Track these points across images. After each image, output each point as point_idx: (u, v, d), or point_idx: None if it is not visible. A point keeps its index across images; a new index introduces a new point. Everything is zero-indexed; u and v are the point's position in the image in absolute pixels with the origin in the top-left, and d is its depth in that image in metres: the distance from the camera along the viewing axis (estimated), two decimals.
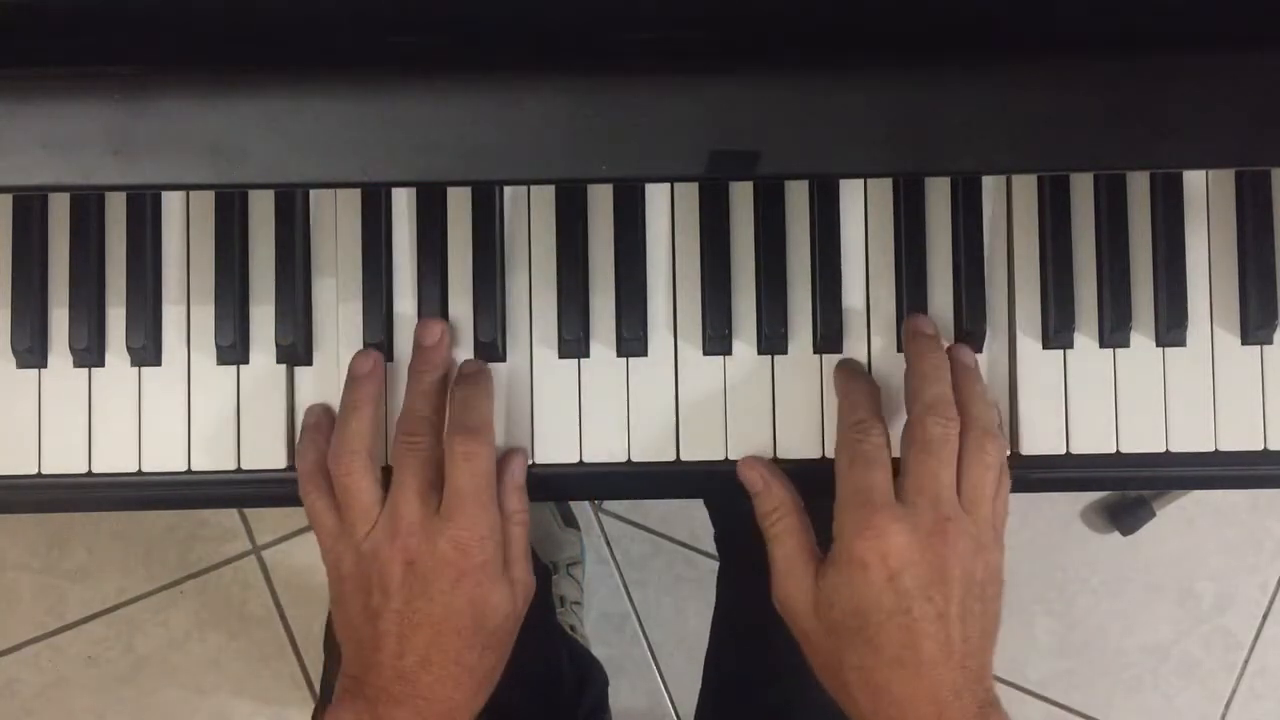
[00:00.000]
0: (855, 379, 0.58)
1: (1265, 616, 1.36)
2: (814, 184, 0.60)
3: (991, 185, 0.60)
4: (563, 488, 0.60)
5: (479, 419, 0.57)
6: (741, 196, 0.60)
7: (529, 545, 0.59)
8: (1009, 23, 0.52)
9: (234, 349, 0.59)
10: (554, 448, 0.60)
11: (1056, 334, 0.60)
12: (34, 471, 0.60)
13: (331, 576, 0.58)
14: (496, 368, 0.60)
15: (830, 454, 0.59)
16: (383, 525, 0.55)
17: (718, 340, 0.59)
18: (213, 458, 0.60)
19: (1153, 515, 1.33)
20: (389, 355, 0.60)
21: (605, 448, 0.60)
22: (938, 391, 0.55)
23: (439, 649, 0.55)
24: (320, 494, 0.57)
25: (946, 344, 0.59)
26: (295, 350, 0.60)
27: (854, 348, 0.60)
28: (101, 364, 0.60)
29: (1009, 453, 0.58)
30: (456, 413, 0.57)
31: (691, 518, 1.33)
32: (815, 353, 0.60)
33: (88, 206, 0.60)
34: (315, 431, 0.59)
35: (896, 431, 0.57)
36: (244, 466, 0.60)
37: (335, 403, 0.59)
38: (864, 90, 0.52)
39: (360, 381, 0.58)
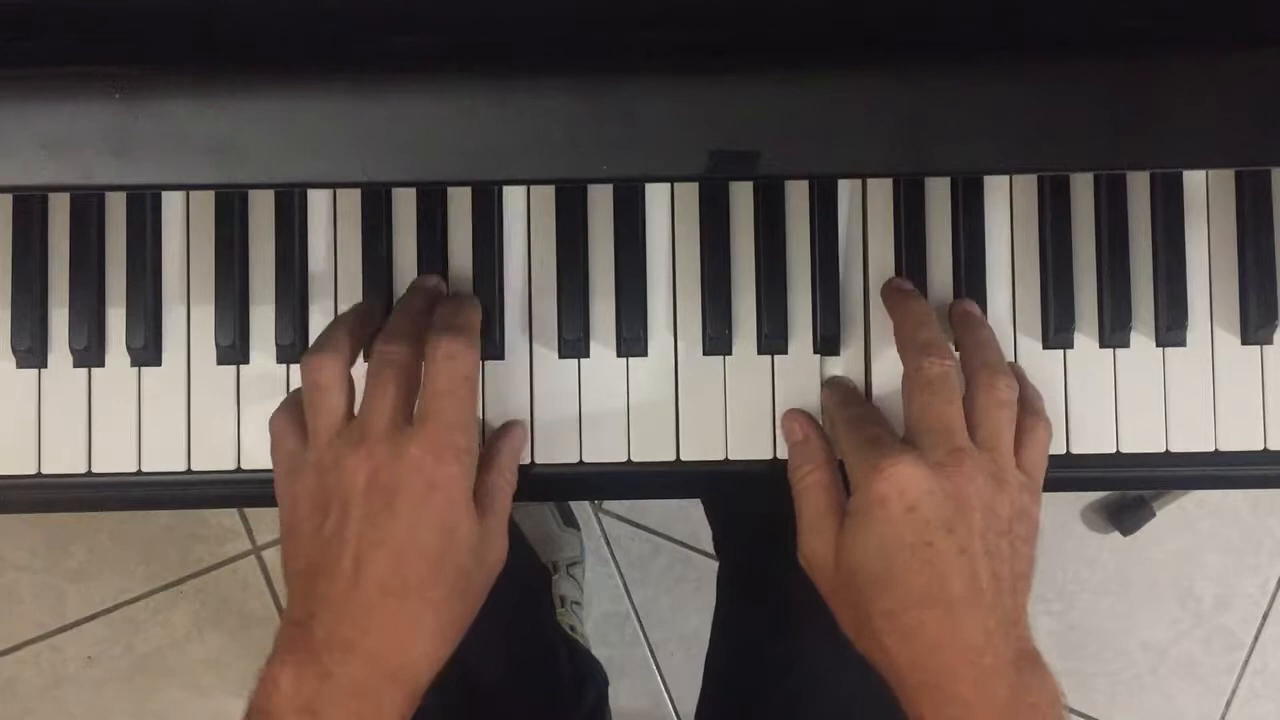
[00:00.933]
0: (838, 386, 0.59)
1: (1265, 616, 1.36)
2: (814, 184, 0.60)
3: (991, 185, 0.60)
4: (563, 488, 0.60)
5: (465, 321, 0.54)
6: (741, 196, 0.60)
7: (509, 511, 0.56)
8: (1009, 23, 0.52)
9: (234, 349, 0.59)
10: (554, 448, 0.60)
11: (1056, 334, 0.60)
12: (34, 471, 0.60)
13: (285, 503, 0.53)
14: (496, 367, 0.60)
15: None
16: (348, 434, 0.51)
17: (718, 340, 0.59)
18: (213, 458, 0.60)
19: (1153, 515, 1.33)
20: None
21: (605, 448, 0.60)
22: (928, 334, 0.55)
23: (399, 575, 0.49)
24: (289, 417, 0.54)
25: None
26: (295, 350, 0.59)
27: (853, 348, 0.60)
28: (101, 364, 0.60)
29: None
30: (442, 317, 0.54)
31: (691, 518, 1.33)
32: (815, 353, 0.60)
33: (88, 206, 0.60)
34: None
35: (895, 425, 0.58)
36: (244, 466, 0.60)
37: None
38: (864, 90, 0.52)
39: (358, 306, 0.57)
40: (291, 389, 0.60)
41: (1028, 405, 0.56)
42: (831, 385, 0.59)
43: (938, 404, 0.53)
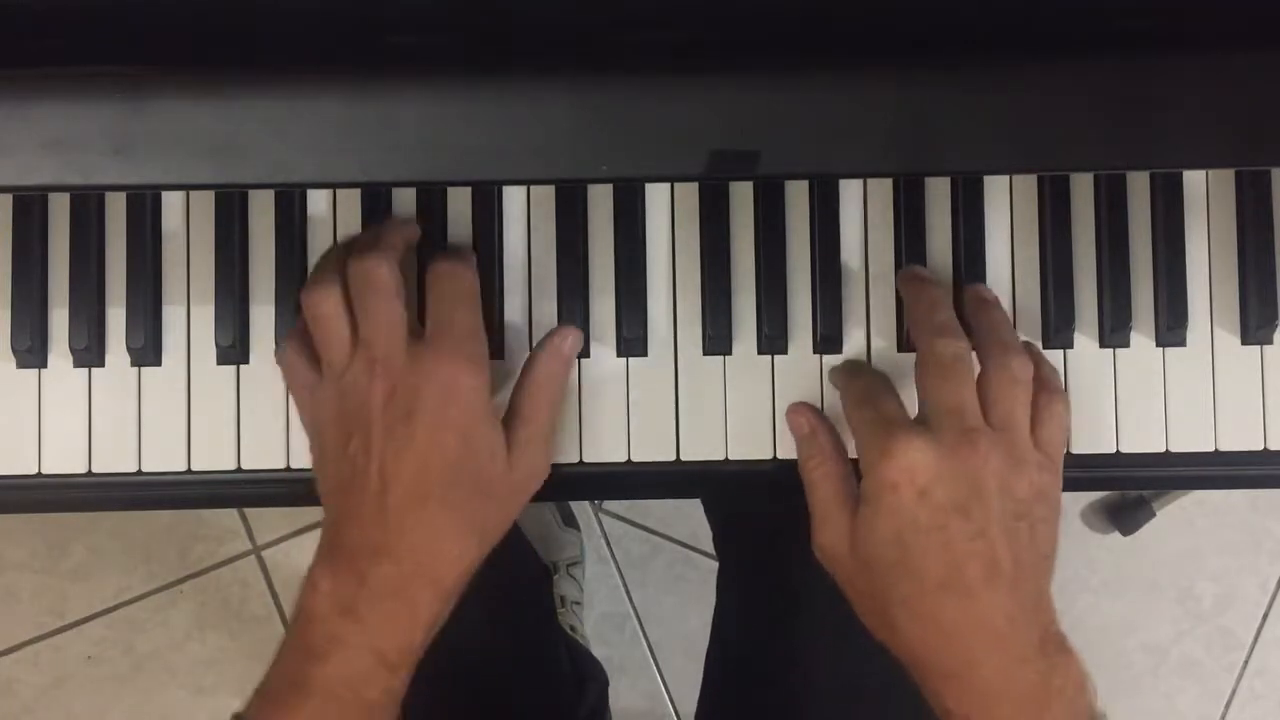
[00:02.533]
0: (849, 363, 0.58)
1: (1265, 616, 1.36)
2: (814, 184, 0.60)
3: (991, 185, 0.60)
4: (563, 488, 0.60)
5: (460, 252, 0.57)
6: (741, 196, 0.60)
7: (554, 427, 0.57)
8: (1009, 22, 0.52)
9: (234, 349, 0.59)
10: (554, 448, 0.59)
11: (1056, 334, 0.60)
12: (34, 471, 0.60)
13: (311, 431, 0.55)
14: (496, 367, 0.60)
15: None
16: (359, 358, 0.53)
17: (718, 340, 0.59)
18: (213, 458, 0.60)
19: (1153, 515, 1.33)
20: None
21: (605, 448, 0.59)
22: (942, 317, 0.54)
23: (423, 480, 0.51)
24: (297, 349, 0.56)
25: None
26: None
27: (854, 348, 0.60)
28: (101, 364, 0.60)
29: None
30: (437, 254, 0.56)
31: (691, 518, 1.33)
32: (815, 353, 0.60)
33: (88, 206, 0.60)
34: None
35: None
36: (244, 466, 0.60)
37: None
38: (864, 90, 0.52)
39: (345, 240, 0.58)
40: (289, 387, 0.60)
41: (1044, 383, 0.55)
42: (842, 365, 0.59)
43: (951, 385, 0.52)
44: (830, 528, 0.53)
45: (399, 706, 0.53)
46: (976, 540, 0.49)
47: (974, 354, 0.55)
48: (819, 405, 0.59)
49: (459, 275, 0.54)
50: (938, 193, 0.60)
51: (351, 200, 0.60)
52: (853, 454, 0.56)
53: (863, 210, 0.60)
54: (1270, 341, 0.60)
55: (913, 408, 0.55)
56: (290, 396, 0.58)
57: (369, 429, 0.52)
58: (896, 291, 0.60)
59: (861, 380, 0.55)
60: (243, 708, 0.53)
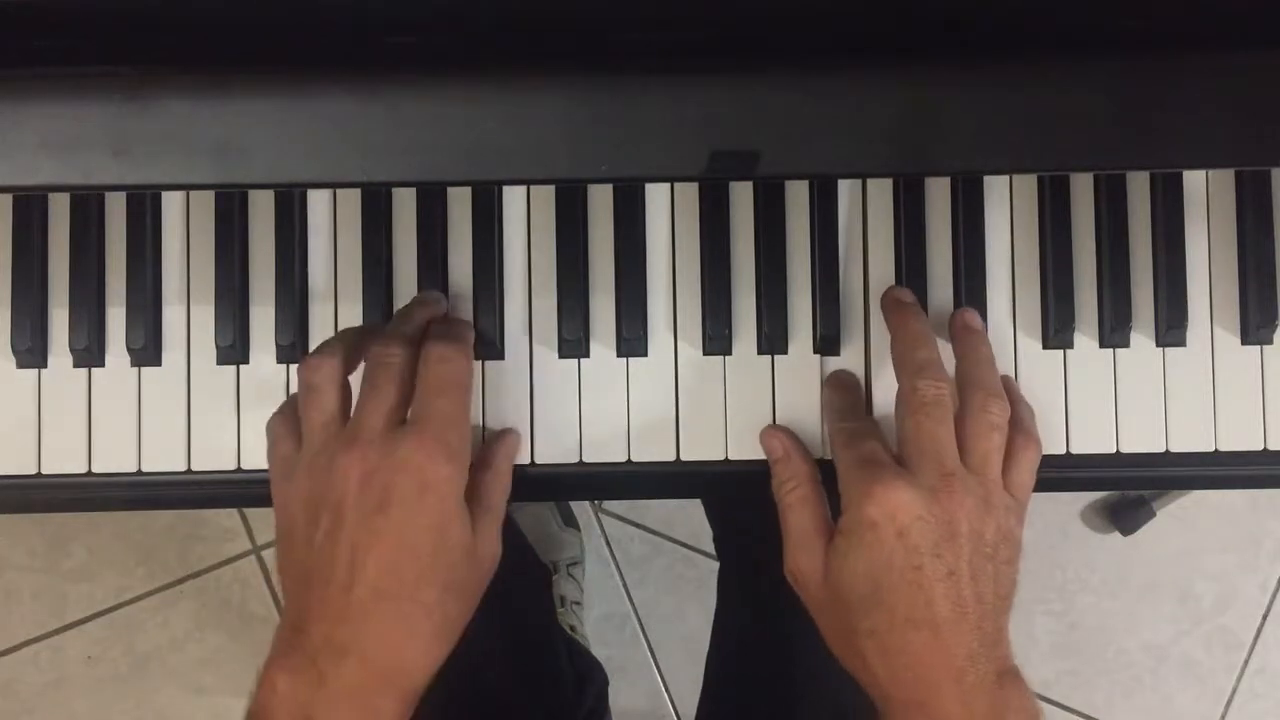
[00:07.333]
0: (840, 390, 0.59)
1: (1265, 616, 1.36)
2: (814, 184, 0.60)
3: (991, 185, 0.60)
4: (563, 488, 0.60)
5: (459, 333, 0.56)
6: (741, 196, 0.60)
7: (504, 512, 0.56)
8: (1009, 22, 0.52)
9: (234, 349, 0.59)
10: (554, 448, 0.60)
11: (1056, 334, 0.60)
12: (34, 471, 0.60)
13: (279, 507, 0.53)
14: (496, 367, 0.60)
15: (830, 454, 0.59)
16: (342, 435, 0.52)
17: (718, 340, 0.59)
18: (213, 458, 0.60)
19: (1153, 515, 1.33)
20: None
21: (605, 448, 0.60)
22: (924, 355, 0.55)
23: (393, 577, 0.50)
24: (285, 421, 0.55)
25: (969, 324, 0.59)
26: (295, 350, 0.60)
27: (853, 348, 0.60)
28: (101, 364, 0.60)
29: None
30: (437, 329, 0.56)
31: (691, 518, 1.33)
32: (815, 353, 0.60)
33: (88, 206, 0.60)
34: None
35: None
36: (244, 466, 0.60)
37: None
38: (864, 90, 0.51)
39: (362, 325, 0.58)
40: (291, 391, 0.60)
41: (1019, 424, 0.56)
42: (833, 386, 0.59)
43: (930, 426, 0.53)
44: (805, 554, 0.54)
45: None
46: (947, 580, 0.50)
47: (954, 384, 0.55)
48: (819, 405, 0.59)
49: (451, 360, 0.53)
50: (938, 193, 0.60)
51: (351, 200, 0.60)
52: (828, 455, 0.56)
53: (863, 210, 0.60)
54: (1270, 341, 0.60)
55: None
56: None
57: (341, 514, 0.50)
58: None
59: (848, 424, 0.56)
60: None
